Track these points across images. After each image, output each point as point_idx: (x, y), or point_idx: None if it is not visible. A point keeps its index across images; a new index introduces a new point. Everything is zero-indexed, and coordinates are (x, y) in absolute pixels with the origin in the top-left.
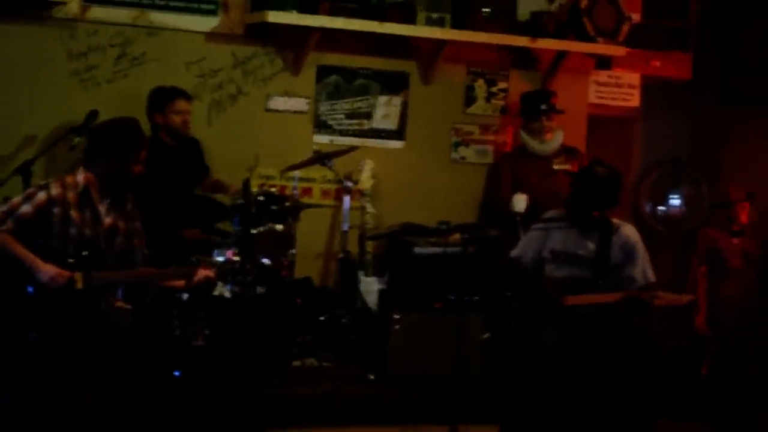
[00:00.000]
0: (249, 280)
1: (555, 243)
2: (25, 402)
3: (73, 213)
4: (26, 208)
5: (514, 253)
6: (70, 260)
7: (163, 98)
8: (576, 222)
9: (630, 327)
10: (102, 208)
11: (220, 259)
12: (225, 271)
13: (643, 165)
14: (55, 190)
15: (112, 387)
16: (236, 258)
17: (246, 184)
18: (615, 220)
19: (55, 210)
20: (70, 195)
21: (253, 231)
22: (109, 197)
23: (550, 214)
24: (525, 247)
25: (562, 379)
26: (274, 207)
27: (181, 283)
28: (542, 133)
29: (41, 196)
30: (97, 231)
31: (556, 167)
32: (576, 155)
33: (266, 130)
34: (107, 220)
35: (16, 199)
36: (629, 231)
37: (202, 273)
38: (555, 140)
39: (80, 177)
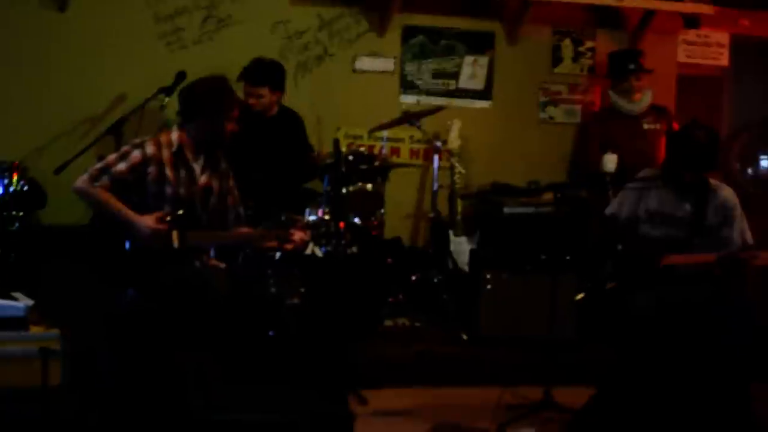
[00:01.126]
0: (344, 243)
1: (651, 203)
2: (126, 361)
3: (168, 172)
4: (121, 166)
5: (608, 210)
6: (167, 218)
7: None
8: (673, 182)
9: (726, 289)
10: (197, 168)
11: (312, 217)
12: (319, 234)
13: (733, 125)
14: (150, 149)
15: (207, 345)
16: (327, 217)
17: (336, 143)
18: (713, 181)
19: (150, 169)
20: (165, 154)
21: (343, 190)
22: (203, 156)
23: (646, 173)
24: (620, 205)
25: (657, 342)
26: (363, 166)
27: (274, 243)
28: (631, 92)
29: (136, 154)
30: (192, 190)
31: (645, 127)
32: (665, 115)
33: (353, 90)
34: (202, 179)
35: (112, 157)
36: (727, 193)
37: (298, 236)
38: (644, 100)
39: (174, 136)
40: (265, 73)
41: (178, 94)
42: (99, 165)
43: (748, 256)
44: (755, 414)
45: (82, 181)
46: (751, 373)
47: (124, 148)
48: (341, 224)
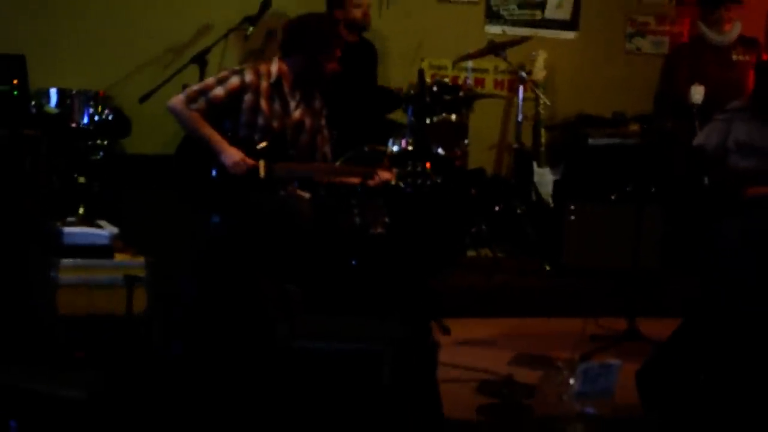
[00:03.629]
0: (428, 183)
1: (740, 134)
2: (210, 288)
3: (263, 102)
4: (219, 91)
5: (697, 141)
6: (258, 147)
7: None
8: (762, 114)
9: None
10: (292, 102)
11: (395, 148)
12: (405, 173)
13: None
14: (249, 77)
15: (292, 274)
16: (411, 148)
17: (420, 74)
18: None
19: (246, 97)
20: (263, 84)
21: (427, 121)
22: (300, 92)
23: (734, 104)
24: (708, 135)
25: (744, 274)
26: (447, 97)
27: (357, 180)
28: (721, 23)
29: (235, 80)
30: (285, 123)
31: (734, 58)
32: (755, 46)
33: (438, 20)
34: (296, 114)
35: (210, 80)
36: None
37: (382, 175)
38: (733, 31)
39: (274, 67)
40: None
41: (282, 27)
42: (197, 87)
43: None
44: None
45: (178, 100)
46: None
47: (223, 73)
48: (428, 164)
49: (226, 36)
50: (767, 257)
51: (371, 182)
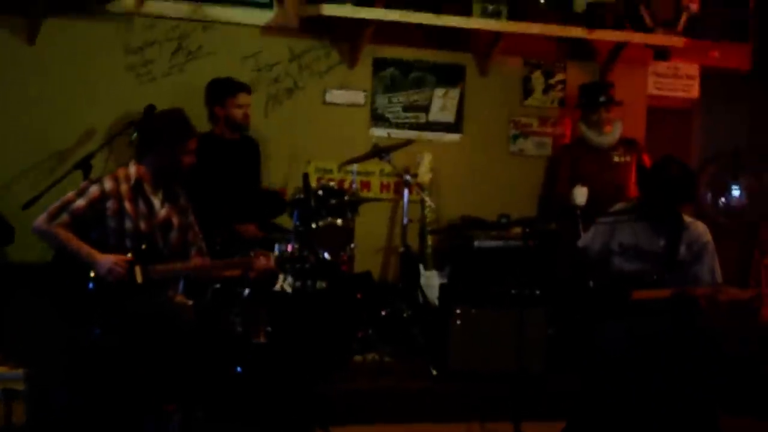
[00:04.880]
0: (308, 267)
1: (624, 236)
2: (91, 400)
3: (127, 205)
4: (80, 203)
5: (581, 243)
6: (129, 255)
7: (224, 91)
8: (647, 217)
9: (694, 323)
10: (156, 201)
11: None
12: (283, 260)
13: (703, 156)
14: (108, 184)
15: (174, 384)
16: (296, 253)
17: (305, 178)
18: (687, 217)
19: (109, 204)
20: (123, 188)
21: (313, 225)
22: (161, 190)
23: (620, 206)
24: (593, 238)
25: (627, 375)
26: (333, 201)
27: (237, 272)
28: (601, 125)
29: (94, 190)
30: (152, 224)
31: (615, 159)
32: (635, 147)
33: (323, 123)
34: (161, 213)
35: (70, 194)
36: (700, 229)
37: (261, 262)
38: (614, 132)
39: (132, 170)
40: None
41: (136, 128)
42: (57, 203)
43: (713, 292)
44: None
45: (41, 220)
46: (721, 404)
47: (82, 185)
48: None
49: (110, 141)
50: (648, 358)
51: (252, 272)
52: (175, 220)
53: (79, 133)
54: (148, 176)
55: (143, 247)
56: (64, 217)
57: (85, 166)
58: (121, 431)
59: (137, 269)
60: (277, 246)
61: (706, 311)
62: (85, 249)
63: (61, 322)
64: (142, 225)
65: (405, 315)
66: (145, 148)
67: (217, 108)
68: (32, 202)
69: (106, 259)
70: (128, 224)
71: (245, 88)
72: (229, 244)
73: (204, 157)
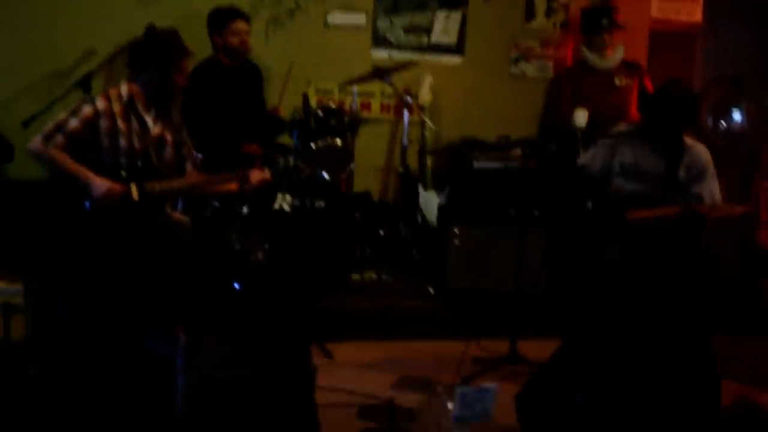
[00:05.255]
0: (303, 179)
1: (625, 157)
2: (91, 315)
3: (120, 124)
4: (74, 123)
5: (581, 161)
6: (123, 172)
7: (220, 19)
8: (648, 138)
9: (691, 243)
10: (149, 118)
11: None
12: (279, 173)
13: (705, 80)
14: (100, 103)
15: (171, 297)
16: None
17: (305, 99)
18: (688, 139)
19: (102, 122)
20: (116, 106)
21: (312, 145)
22: (154, 108)
23: (620, 127)
24: (593, 157)
25: (623, 295)
26: (332, 121)
27: (234, 186)
28: (603, 48)
29: (87, 109)
30: (146, 141)
31: (617, 83)
32: (637, 71)
33: (325, 45)
34: (155, 130)
35: (63, 115)
36: (701, 150)
37: (257, 175)
38: (616, 56)
39: (124, 89)
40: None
41: (129, 47)
42: (51, 124)
43: (706, 209)
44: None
45: (36, 143)
46: (716, 324)
47: (75, 105)
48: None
49: (110, 60)
50: (647, 277)
51: (248, 186)
52: (168, 137)
53: (79, 52)
54: (140, 95)
55: (138, 164)
56: (59, 138)
57: (85, 84)
58: (122, 347)
59: (133, 187)
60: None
61: (708, 231)
62: (82, 171)
63: (61, 238)
64: (136, 142)
65: (403, 235)
66: (137, 67)
67: (215, 36)
68: (32, 120)
69: (102, 183)
70: (122, 142)
71: (242, 15)
72: (232, 161)
73: (205, 82)
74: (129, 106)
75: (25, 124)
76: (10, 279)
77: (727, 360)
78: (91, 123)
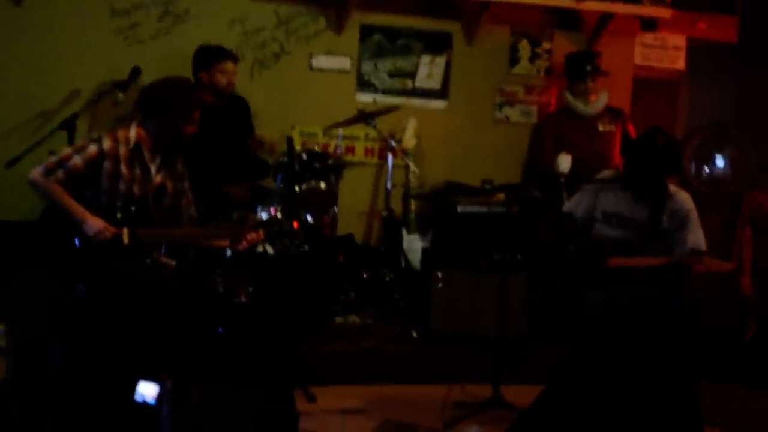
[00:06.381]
0: (296, 243)
1: (608, 204)
2: (74, 359)
3: (124, 168)
4: (77, 160)
5: (565, 208)
6: (118, 215)
7: (210, 57)
8: (630, 186)
9: (675, 292)
10: (152, 166)
11: (264, 215)
12: (272, 233)
13: (688, 127)
14: (107, 144)
15: (156, 342)
16: (280, 215)
17: (290, 141)
18: (671, 186)
19: (106, 164)
20: (122, 150)
21: (297, 188)
22: (160, 156)
23: (604, 174)
24: (577, 204)
25: (606, 342)
26: (317, 165)
27: (225, 243)
28: (587, 94)
29: (92, 148)
30: (146, 189)
31: (600, 128)
32: (620, 117)
33: (309, 88)
34: (157, 179)
35: (67, 151)
36: (684, 198)
37: (251, 236)
38: (599, 102)
39: (133, 133)
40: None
41: (140, 91)
42: (55, 158)
43: (693, 262)
44: (702, 413)
45: (36, 173)
46: (699, 372)
47: (81, 142)
48: (295, 224)
49: (95, 102)
50: (629, 325)
51: (240, 245)
52: (169, 186)
53: (64, 93)
54: (148, 141)
55: (133, 209)
56: (60, 173)
57: (69, 126)
58: (109, 391)
59: (125, 231)
60: (259, 208)
61: (692, 282)
62: (77, 208)
63: (46, 278)
64: (136, 189)
65: (387, 278)
66: (148, 113)
67: (202, 73)
68: (16, 161)
69: (95, 223)
70: (122, 187)
71: (232, 57)
72: (214, 204)
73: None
74: (135, 152)
75: (9, 164)
76: None
77: (711, 408)
78: (94, 163)
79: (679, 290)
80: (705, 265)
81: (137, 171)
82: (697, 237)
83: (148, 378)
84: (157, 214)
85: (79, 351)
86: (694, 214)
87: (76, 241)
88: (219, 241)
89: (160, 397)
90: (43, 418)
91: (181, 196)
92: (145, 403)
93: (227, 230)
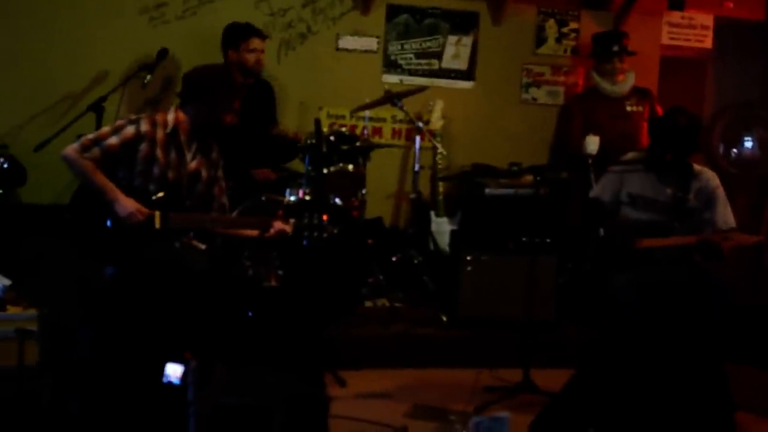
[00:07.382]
0: (325, 237)
1: (633, 186)
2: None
3: (159, 152)
4: (113, 140)
5: (592, 193)
6: (153, 197)
7: (238, 35)
8: (655, 167)
9: (704, 271)
10: (188, 152)
11: (292, 198)
12: (302, 226)
13: (716, 107)
14: (144, 126)
15: (188, 329)
16: (308, 198)
17: (317, 123)
18: (696, 166)
19: (142, 146)
20: (159, 134)
21: (324, 171)
22: (196, 142)
23: (629, 156)
24: (603, 188)
25: (635, 324)
26: (344, 147)
27: (254, 232)
28: (614, 74)
29: (130, 130)
30: (180, 174)
31: (627, 109)
32: (648, 97)
33: (336, 69)
34: (192, 165)
35: (105, 129)
36: (709, 176)
37: (279, 226)
38: (627, 82)
39: (171, 117)
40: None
41: (183, 76)
42: (91, 136)
43: (721, 239)
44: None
45: (72, 149)
46: (728, 352)
47: (119, 122)
48: (324, 216)
49: (123, 84)
50: (657, 307)
51: (268, 234)
52: (203, 173)
53: (91, 76)
54: (185, 126)
55: (165, 194)
56: (95, 151)
57: (97, 108)
58: (138, 374)
59: (156, 215)
60: (287, 191)
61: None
62: (110, 187)
63: (76, 260)
64: (170, 173)
65: (415, 261)
66: (189, 98)
67: (230, 52)
68: (44, 145)
69: (128, 203)
70: (156, 170)
71: (259, 33)
72: (242, 187)
73: None
74: (172, 137)
75: (37, 148)
76: (24, 305)
77: (739, 389)
78: (131, 144)
79: (710, 269)
80: (735, 241)
81: (173, 155)
82: (725, 214)
83: (176, 360)
84: (189, 200)
85: (107, 333)
86: (721, 192)
87: (108, 223)
88: (248, 231)
89: (184, 377)
90: (70, 400)
91: (214, 184)
92: (170, 383)
93: (257, 220)
